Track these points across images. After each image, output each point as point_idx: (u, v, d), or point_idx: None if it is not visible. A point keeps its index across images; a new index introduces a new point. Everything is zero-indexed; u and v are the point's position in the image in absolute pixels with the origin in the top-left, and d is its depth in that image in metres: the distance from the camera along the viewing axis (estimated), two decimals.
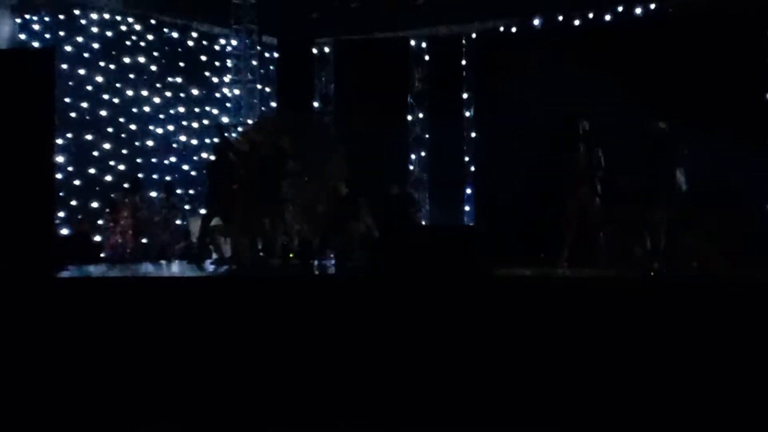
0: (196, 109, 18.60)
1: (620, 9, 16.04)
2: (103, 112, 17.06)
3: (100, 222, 16.31)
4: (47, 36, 16.40)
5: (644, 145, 11.93)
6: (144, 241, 16.14)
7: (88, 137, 16.78)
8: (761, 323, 7.80)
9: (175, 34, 18.35)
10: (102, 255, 15.40)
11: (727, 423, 7.46)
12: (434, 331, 8.56)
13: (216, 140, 15.13)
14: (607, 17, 16.23)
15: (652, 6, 15.74)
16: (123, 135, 17.42)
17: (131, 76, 17.57)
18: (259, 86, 19.00)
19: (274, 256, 13.86)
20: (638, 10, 15.90)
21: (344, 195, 14.17)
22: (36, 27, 16.27)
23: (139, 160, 17.66)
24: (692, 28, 14.68)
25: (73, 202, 16.49)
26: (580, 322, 8.32)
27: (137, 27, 17.73)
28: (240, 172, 13.84)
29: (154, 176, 17.70)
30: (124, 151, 17.43)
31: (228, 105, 18.89)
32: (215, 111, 18.85)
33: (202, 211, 15.38)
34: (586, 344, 8.22)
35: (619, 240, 12.49)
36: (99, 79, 16.99)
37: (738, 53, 14.34)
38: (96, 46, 17.03)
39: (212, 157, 14.93)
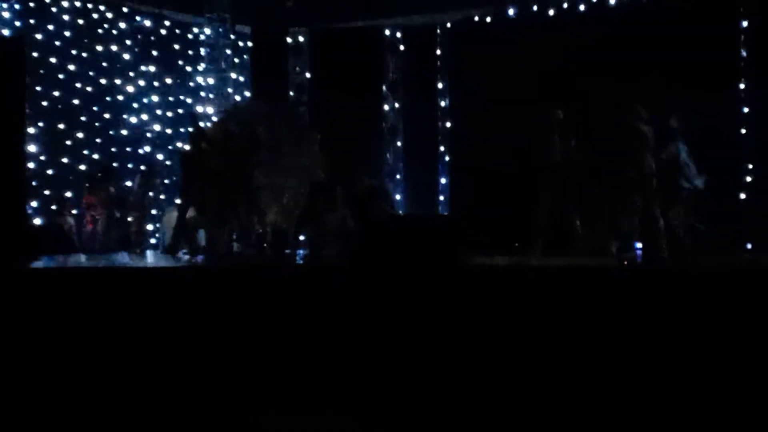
0: (170, 98, 18.49)
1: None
2: (76, 101, 16.94)
3: (74, 212, 16.21)
4: (17, 24, 16.20)
5: (615, 131, 11.99)
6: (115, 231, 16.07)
7: (61, 126, 16.66)
8: (737, 311, 7.83)
9: (147, 23, 18.22)
10: (76, 245, 15.31)
11: (703, 412, 7.50)
12: (410, 321, 8.55)
13: (190, 129, 15.06)
14: (582, 7, 16.25)
15: None
16: (97, 124, 17.31)
17: (104, 64, 17.45)
18: (233, 75, 18.92)
19: (249, 246, 13.83)
20: (612, 1, 15.93)
21: (319, 185, 14.12)
22: (6, 15, 16.04)
23: (113, 150, 17.54)
24: (666, 17, 14.74)
25: (47, 192, 16.35)
26: (556, 311, 8.33)
27: (109, 15, 17.59)
28: (214, 162, 13.78)
29: (129, 165, 17.59)
30: (98, 141, 17.31)
31: (202, 94, 18.80)
32: (189, 100, 18.75)
33: (177, 201, 15.30)
34: (561, 332, 8.23)
35: (595, 229, 12.52)
36: (71, 67, 16.87)
37: (713, 42, 14.41)
38: (68, 34, 16.90)
39: (186, 147, 14.87)
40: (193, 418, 8.20)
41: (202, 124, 15.86)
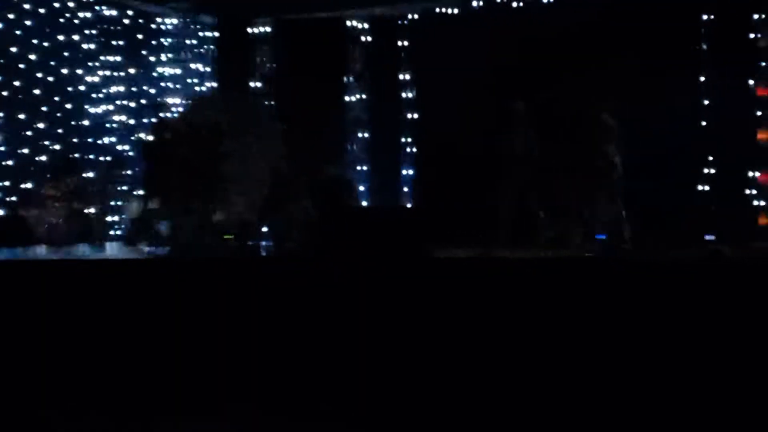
0: (133, 89, 18.32)
1: None
2: (37, 91, 16.75)
3: (35, 203, 16.07)
4: None
5: (577, 123, 12.09)
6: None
7: (22, 117, 16.48)
8: (702, 301, 7.89)
9: (111, 12, 18.04)
10: (36, 237, 15.19)
11: (670, 404, 7.56)
12: (374, 312, 8.56)
13: (153, 120, 14.97)
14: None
15: None
16: (58, 114, 17.13)
17: (66, 54, 17.27)
18: (197, 66, 18.82)
19: (212, 237, 13.79)
20: None
21: (282, 176, 14.09)
22: None
23: (75, 140, 17.39)
24: (629, 9, 14.82)
25: (6, 183, 16.20)
26: (520, 302, 8.36)
27: (71, 4, 17.37)
28: (177, 153, 13.72)
29: (90, 156, 17.45)
30: (60, 131, 17.16)
31: (165, 84, 18.68)
32: (153, 90, 18.61)
33: (140, 192, 15.22)
34: (526, 324, 8.27)
35: (557, 221, 12.59)
36: (32, 57, 16.67)
37: (673, 34, 14.52)
38: (29, 23, 16.68)
39: (150, 138, 14.79)
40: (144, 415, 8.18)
41: (165, 114, 15.78)
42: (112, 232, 17.05)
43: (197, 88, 18.80)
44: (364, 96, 18.61)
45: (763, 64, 14.70)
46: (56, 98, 17.09)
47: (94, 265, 10.30)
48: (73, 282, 9.30)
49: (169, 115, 17.35)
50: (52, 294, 9.18)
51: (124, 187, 17.58)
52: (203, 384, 8.51)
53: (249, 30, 18.90)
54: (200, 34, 19.03)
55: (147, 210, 14.12)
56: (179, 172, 13.64)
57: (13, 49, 16.42)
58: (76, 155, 17.01)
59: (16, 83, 16.41)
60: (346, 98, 18.59)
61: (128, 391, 8.53)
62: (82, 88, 17.47)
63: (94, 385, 8.64)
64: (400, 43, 18.22)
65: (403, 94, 18.12)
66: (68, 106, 17.28)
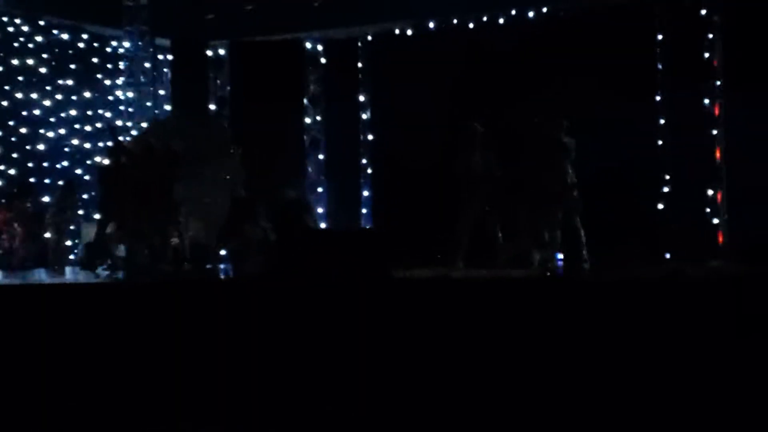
0: (89, 112, 18.18)
1: (513, 12, 16.21)
2: None
3: None
4: None
5: (536, 142, 12.16)
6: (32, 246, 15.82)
7: None
8: (662, 319, 7.92)
9: (65, 36, 17.91)
10: None
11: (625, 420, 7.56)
12: (334, 333, 8.52)
13: (108, 144, 14.85)
14: (501, 20, 16.38)
15: (545, 9, 15.93)
16: (13, 139, 16.95)
17: (20, 78, 17.13)
18: (152, 89, 18.72)
19: (167, 261, 13.72)
20: (531, 14, 16.08)
21: (240, 198, 14.04)
22: None
23: (30, 165, 17.22)
24: (584, 30, 14.96)
25: None
26: (479, 323, 8.35)
27: (25, 28, 17.24)
28: (132, 176, 13.64)
29: (46, 181, 17.29)
30: (15, 156, 16.99)
31: (121, 108, 18.56)
32: (108, 114, 18.46)
33: (96, 216, 15.08)
34: (486, 344, 8.26)
35: (517, 241, 12.61)
36: None
37: (629, 55, 14.67)
38: None
39: (105, 161, 14.69)
40: None
41: (121, 138, 15.66)
42: (71, 257, 16.91)
43: (153, 112, 18.67)
44: (320, 117, 18.61)
45: (718, 83, 14.86)
46: (11, 123, 16.92)
47: (51, 290, 10.17)
48: (27, 307, 9.19)
49: (124, 138, 17.24)
50: (6, 319, 9.07)
51: (80, 212, 17.42)
52: (161, 408, 8.43)
53: (205, 52, 18.86)
54: (156, 56, 18.92)
55: (103, 234, 13.99)
56: (134, 196, 13.56)
57: None
58: (32, 180, 16.85)
59: None
60: (303, 119, 18.56)
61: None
62: (36, 112, 17.31)
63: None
64: (356, 65, 18.24)
65: (360, 116, 18.13)
66: (23, 130, 17.10)
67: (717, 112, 14.85)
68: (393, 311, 8.61)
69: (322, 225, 17.44)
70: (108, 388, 8.61)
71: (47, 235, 16.08)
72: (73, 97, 17.94)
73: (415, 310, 8.59)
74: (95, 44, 18.49)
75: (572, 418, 7.70)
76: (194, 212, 15.04)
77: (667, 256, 14.14)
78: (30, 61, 17.29)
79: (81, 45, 18.23)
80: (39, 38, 17.48)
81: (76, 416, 8.39)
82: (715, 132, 14.86)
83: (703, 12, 14.94)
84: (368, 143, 18.08)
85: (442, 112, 14.85)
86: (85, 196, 17.63)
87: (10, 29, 17.05)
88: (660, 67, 15.29)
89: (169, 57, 19.27)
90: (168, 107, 19.15)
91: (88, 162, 18.00)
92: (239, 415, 8.25)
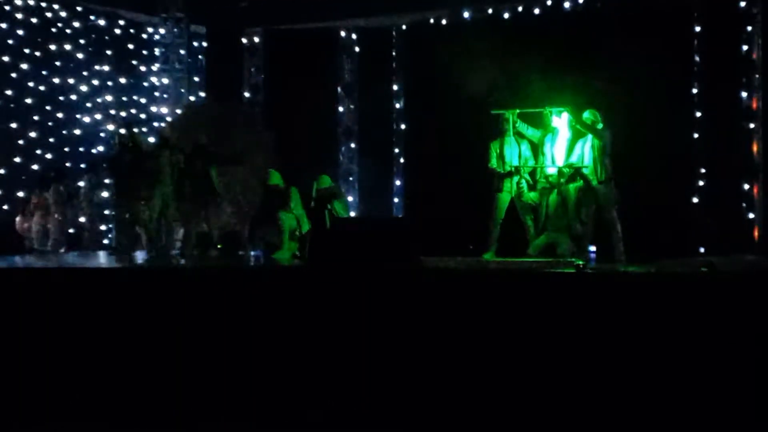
0: (124, 98, 18.32)
1: (549, 2, 16.14)
2: (29, 100, 16.71)
3: (26, 212, 16.05)
4: None
5: (571, 134, 12.15)
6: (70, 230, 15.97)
7: (14, 126, 16.44)
8: (696, 312, 7.90)
9: (101, 22, 18.03)
10: (27, 245, 15.21)
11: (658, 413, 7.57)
12: (365, 322, 8.55)
13: (144, 130, 14.99)
14: (536, 10, 16.31)
15: (581, 0, 15.85)
16: (50, 123, 17.08)
17: (57, 63, 17.24)
18: (188, 75, 18.79)
19: (196, 247, 13.90)
20: (567, 4, 16.01)
21: (273, 185, 14.07)
22: None
23: (66, 149, 17.35)
24: (621, 21, 14.88)
25: None
26: (511, 313, 8.36)
27: (63, 14, 17.38)
28: (142, 167, 13.79)
29: (82, 165, 17.42)
30: (51, 140, 17.11)
31: (156, 94, 18.67)
32: (143, 100, 18.61)
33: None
34: (516, 335, 8.27)
35: (548, 233, 12.55)
36: (24, 66, 16.64)
37: (666, 47, 14.57)
38: (21, 32, 16.67)
39: (115, 152, 14.91)
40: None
41: (156, 124, 15.77)
42: (105, 241, 17.05)
43: (188, 98, 18.74)
44: (354, 106, 18.60)
45: (756, 76, 14.72)
46: (48, 107, 17.04)
47: (86, 274, 10.24)
48: (63, 290, 9.26)
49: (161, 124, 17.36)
50: (38, 302, 9.15)
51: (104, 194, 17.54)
52: (190, 396, 8.50)
53: (240, 40, 18.90)
54: (191, 44, 18.98)
55: (136, 219, 14.09)
56: (146, 186, 13.73)
57: (5, 59, 16.40)
58: (68, 164, 16.98)
59: (8, 92, 16.37)
60: (337, 108, 18.57)
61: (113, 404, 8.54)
62: (73, 97, 17.43)
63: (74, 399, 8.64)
64: (390, 54, 18.21)
65: (394, 105, 18.10)
66: (59, 115, 17.23)
67: (755, 105, 14.70)
68: (422, 300, 8.64)
69: (353, 213, 17.45)
70: (144, 370, 8.70)
71: (82, 219, 16.22)
72: (109, 83, 18.06)
73: (444, 299, 8.62)
74: (131, 31, 18.61)
75: (609, 405, 7.72)
76: (228, 199, 15.12)
77: (702, 250, 14.03)
78: (67, 47, 17.41)
79: (117, 31, 18.34)
80: (76, 24, 17.60)
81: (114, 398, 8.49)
82: (752, 126, 14.71)
83: (742, 4, 14.79)
84: (401, 132, 18.04)
85: (475, 102, 14.77)
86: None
87: (48, 15, 17.18)
88: (697, 59, 15.15)
89: (204, 44, 19.35)
90: (202, 94, 19.23)
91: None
92: (271, 397, 8.33)
